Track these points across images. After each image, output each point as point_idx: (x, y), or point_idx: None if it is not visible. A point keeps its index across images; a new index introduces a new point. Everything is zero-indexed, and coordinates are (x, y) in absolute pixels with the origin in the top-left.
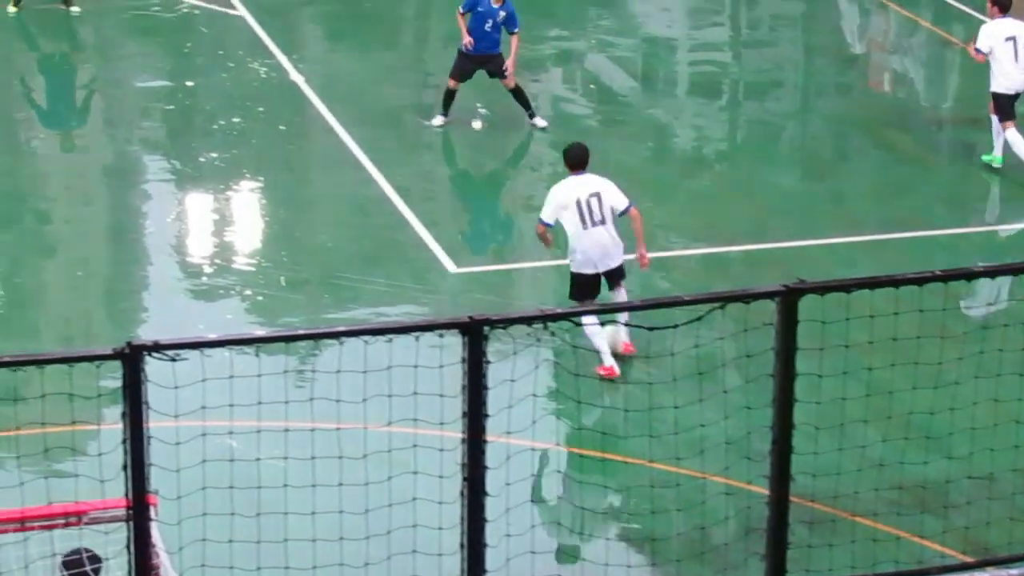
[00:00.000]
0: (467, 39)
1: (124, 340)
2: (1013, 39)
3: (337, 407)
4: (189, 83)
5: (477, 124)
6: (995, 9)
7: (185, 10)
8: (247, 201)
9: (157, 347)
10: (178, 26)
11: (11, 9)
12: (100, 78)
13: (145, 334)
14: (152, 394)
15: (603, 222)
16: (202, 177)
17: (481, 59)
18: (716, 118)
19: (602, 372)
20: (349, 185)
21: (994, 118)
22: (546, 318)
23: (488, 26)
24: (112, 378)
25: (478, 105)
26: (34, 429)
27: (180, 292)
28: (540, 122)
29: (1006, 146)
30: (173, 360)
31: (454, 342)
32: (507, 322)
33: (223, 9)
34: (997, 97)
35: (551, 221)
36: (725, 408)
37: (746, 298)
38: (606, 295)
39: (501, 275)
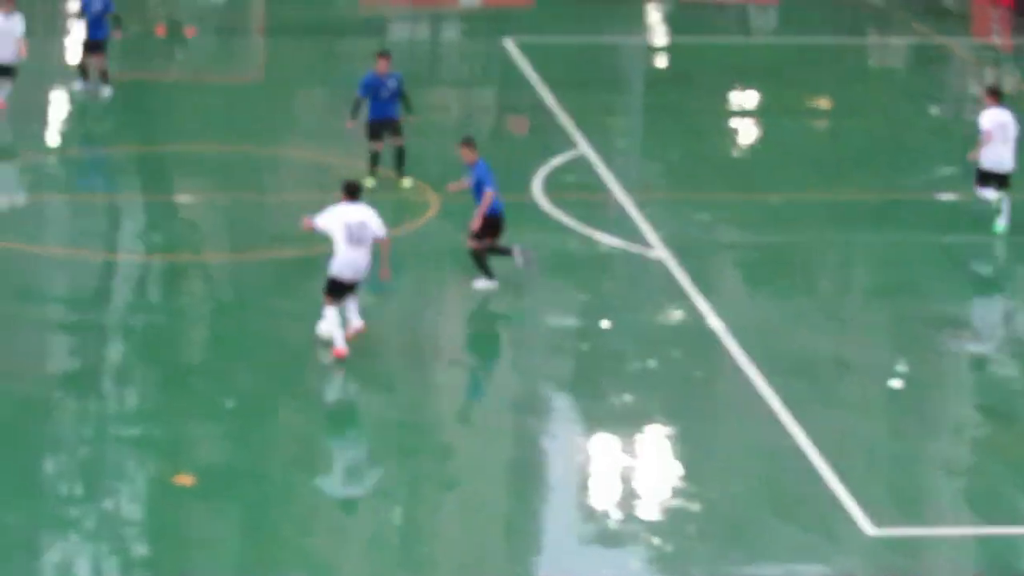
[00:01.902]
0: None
1: None
2: (1004, 125)
3: None
4: (604, 323)
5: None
6: (991, 99)
7: (604, 250)
8: (656, 446)
9: None
10: (595, 265)
11: (369, 182)
12: (511, 314)
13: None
14: None
15: (363, 244)
16: (611, 419)
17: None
18: None
19: (335, 355)
20: (762, 435)
21: (979, 189)
22: None
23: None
24: None
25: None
26: None
27: (583, 535)
28: (481, 284)
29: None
30: None
31: None
32: None
33: (641, 250)
34: (984, 172)
35: (321, 229)
36: None
37: None
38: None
39: (920, 539)
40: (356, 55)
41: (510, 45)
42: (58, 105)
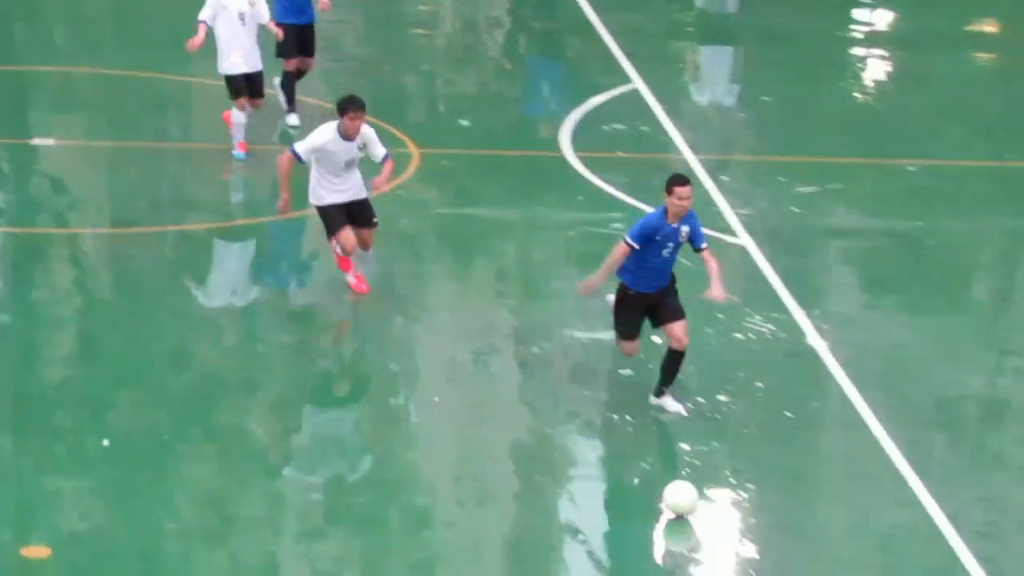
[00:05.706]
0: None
1: None
2: None
3: None
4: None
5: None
6: None
7: None
8: (734, 516)
9: None
10: None
11: None
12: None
13: None
14: None
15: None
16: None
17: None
18: None
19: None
20: (880, 506)
21: None
22: None
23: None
24: None
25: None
26: None
27: None
28: (673, 407)
29: None
30: None
31: None
32: None
33: (718, 235)
34: None
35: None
36: None
37: None
38: None
39: None
40: None
41: None
42: None
